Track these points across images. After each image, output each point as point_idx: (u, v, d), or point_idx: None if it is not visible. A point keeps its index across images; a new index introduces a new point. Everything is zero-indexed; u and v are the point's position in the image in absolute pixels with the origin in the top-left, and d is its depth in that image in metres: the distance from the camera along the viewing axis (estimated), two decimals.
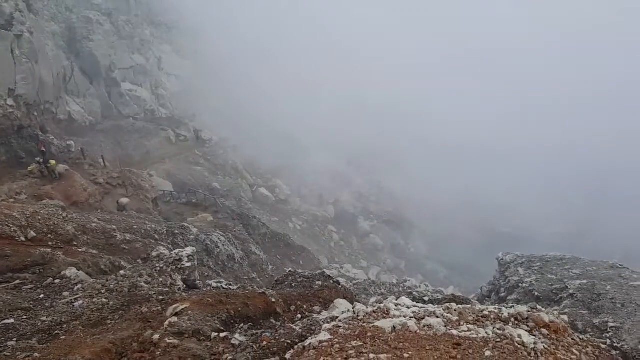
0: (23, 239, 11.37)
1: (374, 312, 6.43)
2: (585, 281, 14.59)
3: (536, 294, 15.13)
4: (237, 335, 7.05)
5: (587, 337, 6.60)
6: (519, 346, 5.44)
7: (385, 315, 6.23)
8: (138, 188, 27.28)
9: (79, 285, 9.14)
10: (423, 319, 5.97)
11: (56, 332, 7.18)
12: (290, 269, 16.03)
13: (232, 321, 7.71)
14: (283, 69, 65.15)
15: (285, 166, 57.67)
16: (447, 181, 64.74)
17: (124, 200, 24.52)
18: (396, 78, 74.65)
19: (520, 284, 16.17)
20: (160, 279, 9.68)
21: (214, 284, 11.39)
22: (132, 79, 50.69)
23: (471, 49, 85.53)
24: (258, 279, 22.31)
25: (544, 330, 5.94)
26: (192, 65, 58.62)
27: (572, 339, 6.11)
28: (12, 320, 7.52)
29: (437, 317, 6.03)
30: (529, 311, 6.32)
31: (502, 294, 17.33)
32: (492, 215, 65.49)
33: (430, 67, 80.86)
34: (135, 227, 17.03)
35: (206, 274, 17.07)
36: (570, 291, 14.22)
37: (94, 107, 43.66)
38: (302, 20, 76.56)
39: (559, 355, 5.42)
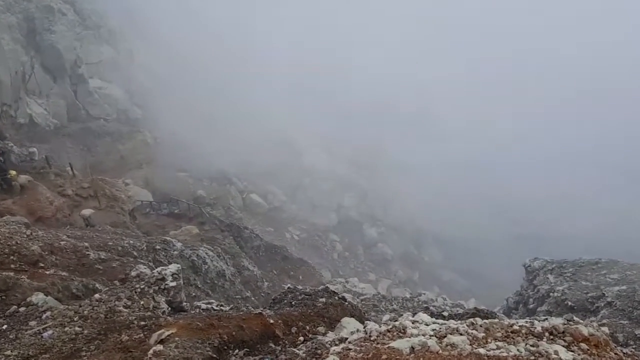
0: None
1: (389, 331, 6.38)
2: (624, 287, 14.58)
3: (569, 303, 15.10)
4: None
5: (630, 351, 6.56)
6: None
7: (401, 335, 6.18)
8: (112, 199, 27.19)
9: (48, 313, 9.06)
10: (445, 337, 5.92)
11: None
12: (288, 285, 15.96)
13: (226, 347, 7.66)
14: (274, 65, 65.30)
15: (280, 169, 57.54)
16: (462, 182, 64.86)
17: (86, 212, 23.66)
18: (395, 77, 75.39)
19: (551, 293, 16.16)
20: (142, 302, 9.61)
21: (203, 306, 11.34)
22: (102, 74, 50.58)
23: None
24: (253, 298, 22.28)
25: (583, 345, 5.90)
26: (169, 59, 58.44)
27: (615, 354, 6.07)
28: None
29: (461, 334, 5.98)
30: (564, 324, 6.28)
31: (531, 306, 17.33)
32: (514, 216, 65.62)
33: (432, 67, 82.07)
34: (110, 243, 16.95)
35: (194, 294, 17.02)
36: (608, 299, 14.21)
37: (58, 108, 43.52)
38: (295, 15, 77.22)
39: None
